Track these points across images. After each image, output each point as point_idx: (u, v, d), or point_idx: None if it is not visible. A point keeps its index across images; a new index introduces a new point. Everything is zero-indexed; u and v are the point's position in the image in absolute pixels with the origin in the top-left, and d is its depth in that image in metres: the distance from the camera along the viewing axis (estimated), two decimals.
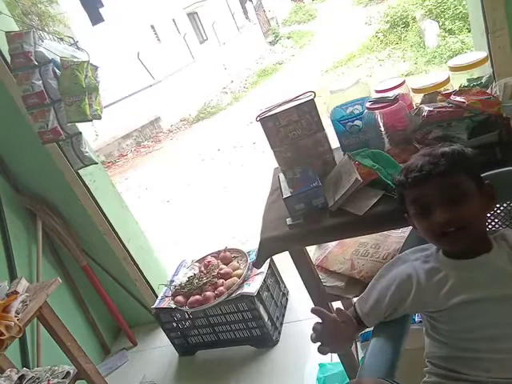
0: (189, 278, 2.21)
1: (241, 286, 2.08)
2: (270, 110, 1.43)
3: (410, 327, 1.08)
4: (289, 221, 1.32)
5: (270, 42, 15.84)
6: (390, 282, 1.02)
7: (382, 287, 1.03)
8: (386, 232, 1.51)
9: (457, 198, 0.90)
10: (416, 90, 1.43)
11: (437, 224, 0.91)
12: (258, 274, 2.13)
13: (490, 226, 1.12)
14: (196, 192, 5.70)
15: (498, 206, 1.09)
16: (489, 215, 1.11)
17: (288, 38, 15.36)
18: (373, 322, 1.06)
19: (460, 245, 0.94)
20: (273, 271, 2.34)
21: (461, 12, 6.74)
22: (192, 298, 2.09)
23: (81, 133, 2.00)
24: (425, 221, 0.94)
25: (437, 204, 0.91)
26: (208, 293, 2.07)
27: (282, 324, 2.25)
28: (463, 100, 1.18)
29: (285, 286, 2.44)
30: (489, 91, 1.27)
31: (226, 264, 2.26)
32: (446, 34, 6.73)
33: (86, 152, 2.00)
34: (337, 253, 1.56)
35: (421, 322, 1.36)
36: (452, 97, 1.23)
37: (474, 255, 0.94)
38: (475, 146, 1.10)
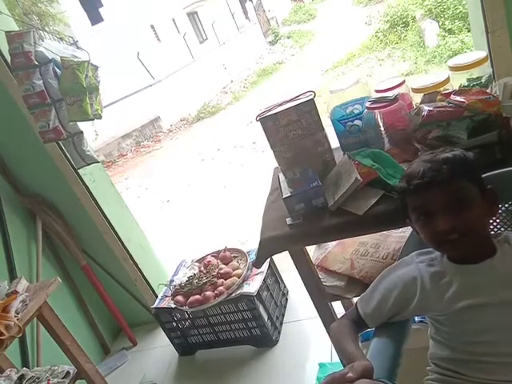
0: (188, 277, 2.21)
1: (240, 285, 2.08)
2: (269, 110, 1.43)
3: (411, 328, 1.07)
4: (289, 221, 1.32)
5: (270, 42, 15.83)
6: (395, 284, 1.01)
7: (386, 289, 1.02)
8: (385, 232, 1.51)
9: (459, 205, 0.89)
10: (416, 90, 1.43)
11: (440, 231, 0.90)
12: (257, 273, 2.13)
13: (491, 227, 1.11)
14: (196, 192, 5.69)
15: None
16: None
17: (288, 37, 15.35)
18: (375, 323, 1.05)
19: (463, 251, 0.94)
20: (273, 271, 2.34)
21: (461, 12, 6.75)
22: (192, 298, 2.09)
23: (82, 132, 1.99)
24: (427, 228, 0.93)
25: (439, 211, 0.90)
26: (208, 292, 2.07)
27: (281, 324, 2.25)
28: (463, 100, 1.18)
29: (285, 286, 2.44)
30: (489, 91, 1.27)
31: (226, 264, 2.25)
32: (446, 34, 6.73)
33: (88, 151, 2.00)
34: (337, 252, 1.56)
35: (421, 321, 1.36)
36: (452, 96, 1.23)
37: (479, 260, 0.93)
38: (475, 145, 1.10)
